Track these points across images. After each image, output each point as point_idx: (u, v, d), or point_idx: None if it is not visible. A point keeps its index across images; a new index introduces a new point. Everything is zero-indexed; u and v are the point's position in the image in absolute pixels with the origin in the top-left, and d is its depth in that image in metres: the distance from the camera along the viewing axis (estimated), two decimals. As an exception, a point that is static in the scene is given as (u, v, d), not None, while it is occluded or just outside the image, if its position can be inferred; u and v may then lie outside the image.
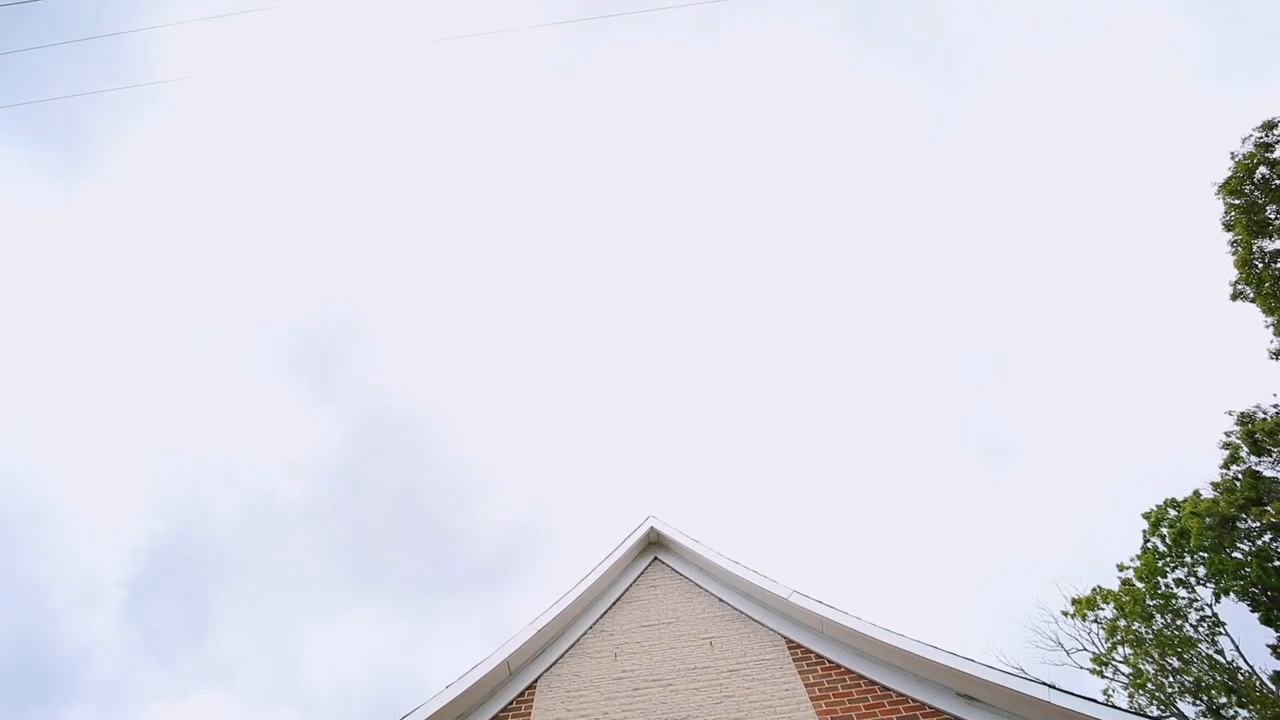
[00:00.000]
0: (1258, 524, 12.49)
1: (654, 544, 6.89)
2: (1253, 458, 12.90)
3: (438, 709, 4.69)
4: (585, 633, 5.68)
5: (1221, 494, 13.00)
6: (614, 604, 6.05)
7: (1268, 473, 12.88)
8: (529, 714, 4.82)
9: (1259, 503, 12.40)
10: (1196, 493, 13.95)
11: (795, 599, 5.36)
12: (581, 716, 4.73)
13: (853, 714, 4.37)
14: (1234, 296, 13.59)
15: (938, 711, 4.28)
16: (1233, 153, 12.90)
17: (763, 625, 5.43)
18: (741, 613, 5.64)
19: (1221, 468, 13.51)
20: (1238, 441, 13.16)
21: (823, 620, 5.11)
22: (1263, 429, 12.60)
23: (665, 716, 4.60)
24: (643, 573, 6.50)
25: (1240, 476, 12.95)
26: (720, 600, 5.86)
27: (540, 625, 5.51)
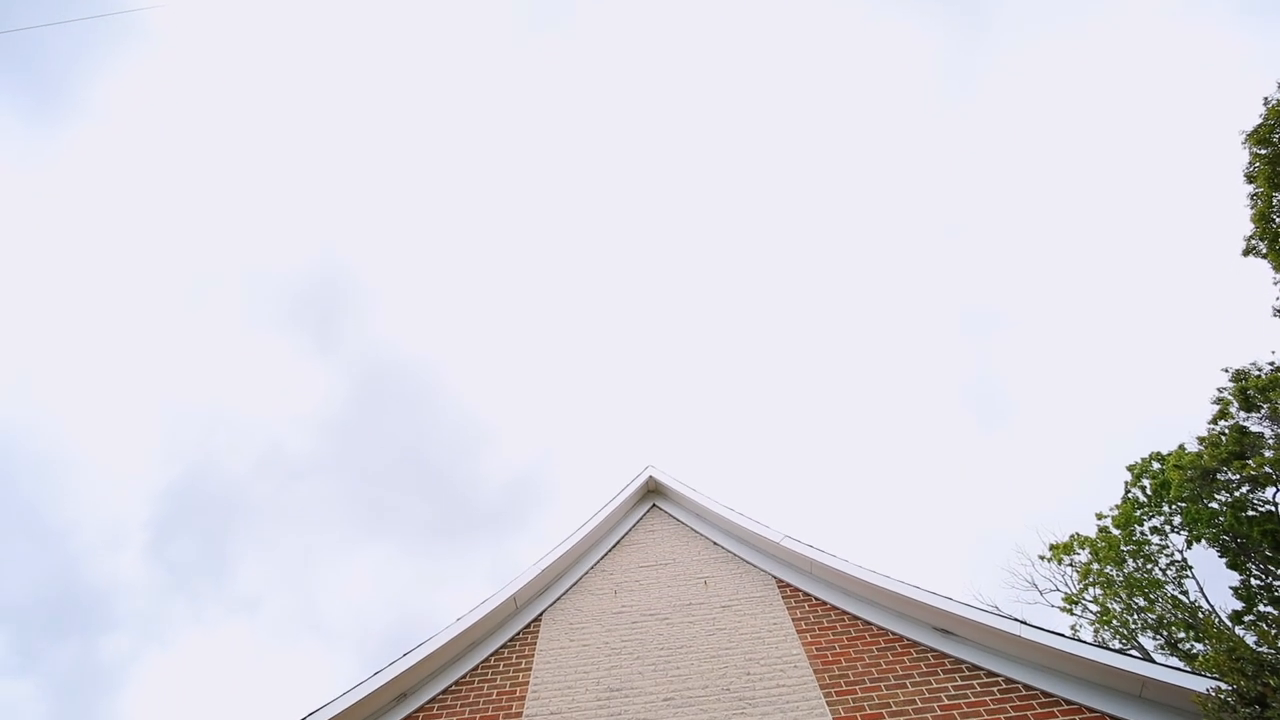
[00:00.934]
0: (1237, 477, 12.90)
1: (652, 492, 7.16)
2: (1242, 413, 13.13)
3: (451, 638, 5.05)
4: (587, 572, 6.02)
5: (1206, 448, 13.33)
6: (614, 546, 6.36)
7: (1254, 428, 13.16)
8: (535, 643, 5.19)
9: (1241, 456, 12.74)
10: (1182, 446, 14.30)
11: (787, 543, 5.64)
12: (584, 645, 5.10)
13: (835, 645, 4.71)
14: (1246, 252, 13.33)
15: (915, 643, 4.61)
16: (1266, 98, 12.23)
17: (755, 566, 5.74)
18: (735, 555, 5.94)
19: (1210, 423, 13.77)
20: (1229, 398, 13.34)
21: (811, 562, 5.41)
22: (1256, 385, 12.73)
23: (662, 647, 4.96)
24: (642, 518, 6.79)
25: (1227, 431, 13.24)
26: (715, 544, 6.16)
27: (544, 565, 5.83)
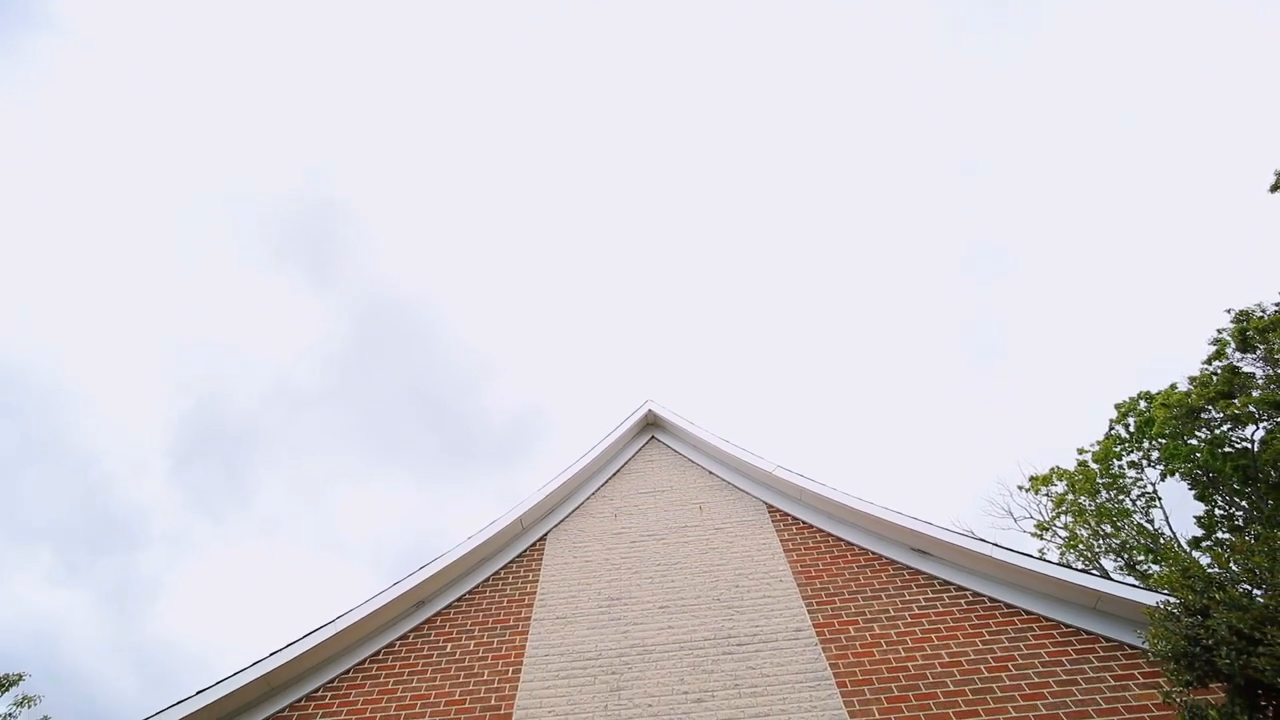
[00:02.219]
0: (1221, 415, 13.24)
1: (651, 424, 7.39)
2: (1237, 354, 13.22)
3: (463, 554, 5.44)
4: (589, 497, 6.36)
5: (1195, 387, 13.57)
6: (615, 474, 6.68)
7: (1247, 368, 13.32)
8: (541, 559, 5.61)
9: (1229, 396, 13.00)
10: (1173, 385, 14.55)
11: (779, 473, 5.91)
12: (586, 562, 5.50)
13: (819, 563, 5.09)
14: (1274, 188, 12.80)
15: (893, 562, 4.98)
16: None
17: (747, 494, 6.07)
18: (729, 483, 6.25)
19: (1204, 363, 13.92)
20: (1227, 339, 13.38)
21: (801, 490, 5.70)
22: (1256, 326, 12.72)
23: (658, 563, 5.36)
24: (641, 449, 7.07)
25: (1219, 372, 13.41)
26: (710, 473, 6.46)
27: (548, 490, 6.15)
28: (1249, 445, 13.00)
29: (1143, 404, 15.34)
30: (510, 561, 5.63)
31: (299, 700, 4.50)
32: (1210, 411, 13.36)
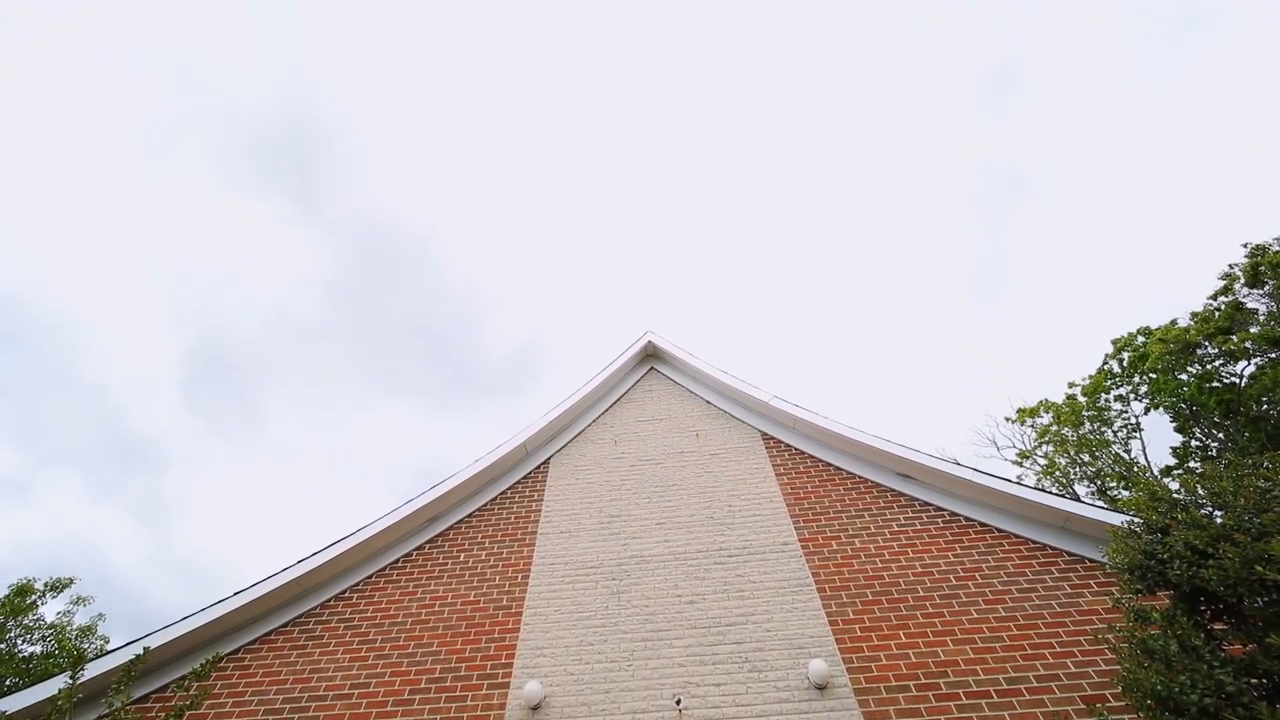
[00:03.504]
0: (1216, 350, 13.36)
1: (651, 356, 7.48)
2: (1245, 290, 13.07)
3: (471, 475, 5.74)
4: (589, 424, 6.59)
5: (1196, 322, 13.56)
6: (614, 403, 6.87)
7: (1252, 304, 13.23)
8: (544, 481, 5.92)
9: (1227, 332, 13.04)
10: (1173, 321, 14.54)
11: (775, 402, 6.08)
12: (588, 484, 5.82)
13: (808, 486, 5.38)
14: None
15: (878, 485, 5.26)
16: None
17: (743, 422, 6.28)
18: (725, 412, 6.45)
19: (1209, 298, 13.81)
20: (1238, 273, 13.16)
21: (795, 419, 5.89)
22: (1270, 261, 12.47)
23: (656, 485, 5.66)
24: (641, 379, 7.21)
25: (1222, 307, 13.34)
26: (708, 403, 6.65)
27: (551, 417, 6.36)
28: (1236, 380, 13.24)
29: (1140, 339, 15.42)
30: (516, 483, 5.95)
31: (329, 600, 4.96)
32: (1206, 347, 13.46)
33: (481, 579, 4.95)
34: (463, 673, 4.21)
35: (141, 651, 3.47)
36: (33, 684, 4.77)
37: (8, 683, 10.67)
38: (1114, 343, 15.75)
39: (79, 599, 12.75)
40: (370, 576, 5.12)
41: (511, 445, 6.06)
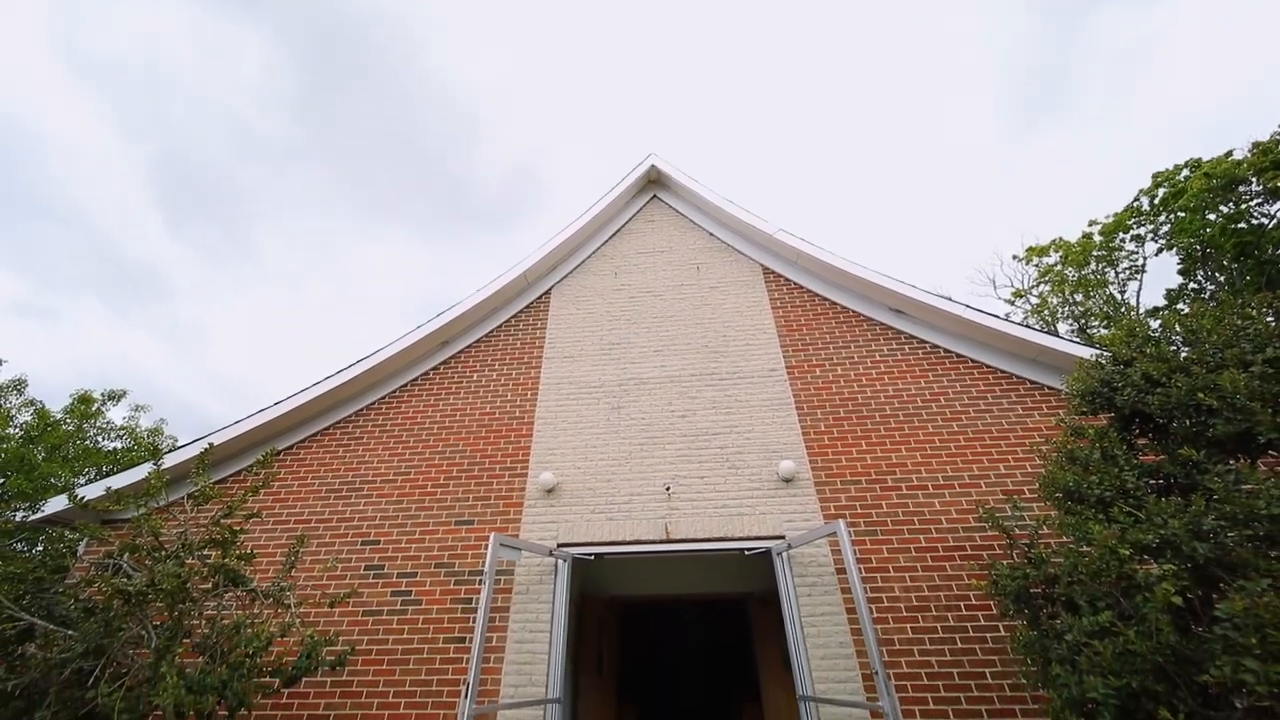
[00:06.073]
0: (1261, 188, 12.43)
1: (654, 182, 6.99)
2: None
3: (475, 304, 5.89)
4: (589, 256, 6.51)
5: (1254, 154, 12.32)
6: (615, 234, 6.67)
7: (1323, 133, 11.81)
8: (547, 309, 6.10)
9: (1280, 166, 11.92)
10: (1229, 153, 13.21)
11: (780, 235, 5.91)
12: (589, 313, 6.01)
13: (802, 318, 5.57)
14: None
15: (869, 319, 5.45)
16: None
17: (745, 256, 6.19)
18: (728, 245, 6.31)
19: (1278, 128, 12.31)
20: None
21: (797, 253, 5.81)
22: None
23: (655, 315, 5.86)
24: (642, 208, 6.87)
25: (1289, 137, 11.94)
26: (710, 235, 6.45)
27: (550, 248, 6.25)
28: (1266, 220, 12.64)
29: (1186, 173, 14.20)
30: (520, 311, 6.14)
31: (361, 409, 5.56)
32: (1252, 184, 12.50)
33: (495, 395, 5.48)
34: (487, 465, 4.97)
35: (209, 445, 4.04)
36: (124, 470, 5.65)
37: (100, 470, 12.63)
38: (1154, 176, 14.55)
39: (138, 406, 14.28)
40: (394, 391, 5.66)
41: (512, 275, 6.09)
